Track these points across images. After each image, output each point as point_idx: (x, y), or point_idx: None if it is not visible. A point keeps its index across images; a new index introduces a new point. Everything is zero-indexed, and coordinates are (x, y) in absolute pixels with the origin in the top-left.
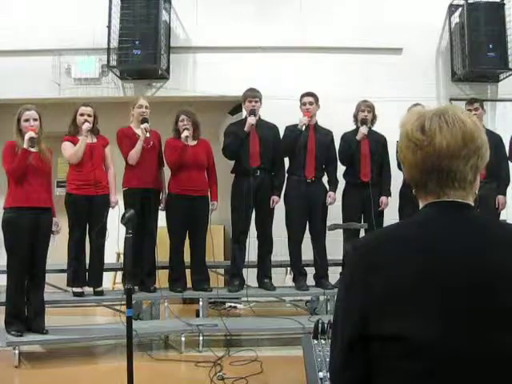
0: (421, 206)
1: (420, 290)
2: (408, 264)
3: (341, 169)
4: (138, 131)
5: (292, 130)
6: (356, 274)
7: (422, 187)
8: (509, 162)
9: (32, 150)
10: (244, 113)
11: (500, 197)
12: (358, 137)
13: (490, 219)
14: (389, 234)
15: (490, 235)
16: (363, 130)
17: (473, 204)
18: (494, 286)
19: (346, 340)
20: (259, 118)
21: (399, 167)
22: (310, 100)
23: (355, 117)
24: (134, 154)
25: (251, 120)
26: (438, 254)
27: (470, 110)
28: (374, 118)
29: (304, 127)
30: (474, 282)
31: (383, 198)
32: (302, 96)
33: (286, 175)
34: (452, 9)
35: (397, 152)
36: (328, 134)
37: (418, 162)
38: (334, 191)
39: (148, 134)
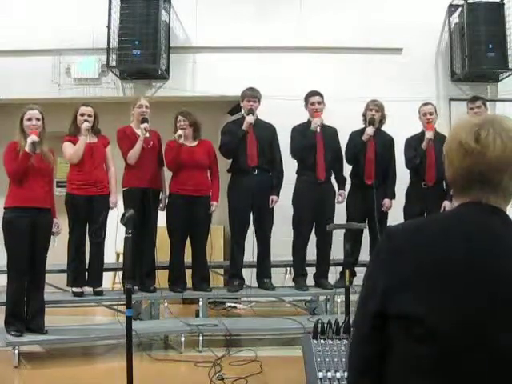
0: (456, 203)
1: (440, 278)
2: (432, 252)
3: (347, 169)
4: (138, 131)
5: (301, 131)
6: (383, 255)
7: (464, 191)
8: None
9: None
10: (243, 112)
11: None
12: (364, 138)
13: None
14: (419, 225)
15: None
16: (369, 131)
17: (505, 210)
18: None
19: (367, 315)
20: (256, 117)
21: (407, 166)
22: (318, 100)
23: (364, 116)
24: (134, 153)
25: (250, 119)
26: (467, 248)
27: (471, 108)
28: (383, 117)
29: (318, 129)
30: (493, 280)
31: (386, 201)
32: (309, 96)
33: (296, 176)
34: (452, 9)
35: (445, 154)
36: (333, 132)
37: (464, 167)
38: (344, 189)
39: (148, 134)
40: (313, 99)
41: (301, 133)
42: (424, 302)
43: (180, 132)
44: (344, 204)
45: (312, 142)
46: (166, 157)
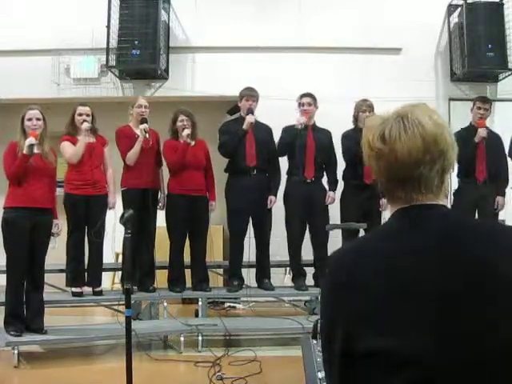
0: (391, 211)
1: (402, 303)
2: (385, 278)
3: (340, 171)
4: (137, 131)
5: (289, 130)
6: (334, 291)
7: (390, 194)
8: (508, 162)
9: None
10: (242, 112)
11: (499, 198)
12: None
13: (464, 216)
14: (363, 247)
15: (463, 230)
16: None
17: (444, 203)
18: (473, 289)
19: (334, 356)
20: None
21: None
22: (308, 101)
23: (355, 117)
24: (133, 154)
25: (250, 118)
26: (414, 265)
27: (479, 107)
28: None
29: (302, 127)
30: (450, 287)
31: (384, 200)
32: (301, 96)
33: (286, 176)
34: (451, 9)
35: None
36: (326, 134)
37: (381, 171)
38: (334, 191)
39: (147, 135)
40: (303, 100)
41: (289, 131)
42: (389, 334)
43: (188, 131)
44: (338, 204)
45: (302, 141)
46: (169, 156)
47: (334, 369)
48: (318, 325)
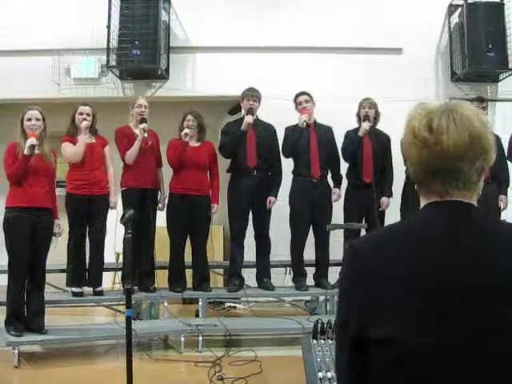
0: (422, 203)
1: (413, 295)
2: (403, 269)
3: (344, 169)
4: (137, 131)
5: (292, 130)
6: (352, 278)
7: (426, 186)
8: (508, 161)
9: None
10: (243, 112)
11: (502, 197)
12: (361, 132)
13: (497, 221)
14: (386, 237)
15: (494, 237)
16: (365, 125)
17: (476, 204)
18: (492, 292)
19: (346, 340)
20: (256, 117)
21: (406, 164)
22: (305, 98)
23: (358, 115)
24: (132, 153)
25: (249, 119)
26: (437, 258)
27: (477, 107)
28: (378, 115)
29: (305, 125)
30: (471, 286)
31: (384, 199)
32: (297, 96)
33: (292, 176)
34: (452, 9)
35: (401, 147)
36: (328, 131)
37: (422, 161)
38: (339, 188)
39: (146, 135)
40: (300, 98)
41: (293, 131)
42: (397, 323)
43: (186, 130)
44: (342, 203)
45: (306, 140)
46: (170, 154)
47: (344, 356)
48: (319, 325)
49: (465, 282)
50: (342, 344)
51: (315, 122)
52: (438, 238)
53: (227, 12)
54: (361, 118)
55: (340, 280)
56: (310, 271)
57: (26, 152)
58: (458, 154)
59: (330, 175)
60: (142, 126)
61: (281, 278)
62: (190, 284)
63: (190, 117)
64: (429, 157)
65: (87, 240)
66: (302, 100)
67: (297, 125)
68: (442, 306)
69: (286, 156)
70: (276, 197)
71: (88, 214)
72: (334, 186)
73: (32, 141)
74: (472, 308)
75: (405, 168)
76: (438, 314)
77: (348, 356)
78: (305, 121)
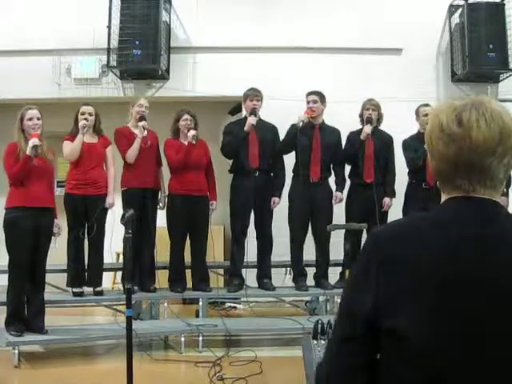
0: (444, 198)
1: (429, 289)
2: (422, 262)
3: (346, 170)
4: (136, 130)
5: (292, 128)
6: (374, 263)
7: (450, 181)
8: None
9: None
10: (244, 113)
11: (503, 198)
12: (362, 136)
13: None
14: (408, 228)
15: None
16: (367, 129)
17: (500, 202)
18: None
19: (356, 318)
20: (259, 118)
21: (408, 167)
22: (313, 99)
23: (361, 116)
24: (132, 152)
25: (252, 120)
26: (457, 254)
27: None
28: (380, 116)
29: (301, 124)
30: (488, 285)
31: (386, 199)
32: (307, 95)
33: (291, 175)
34: (452, 9)
35: (403, 147)
36: (335, 133)
37: (449, 156)
38: (341, 191)
39: (145, 132)
40: (308, 98)
41: (291, 129)
42: (410, 317)
43: (194, 132)
44: (344, 204)
45: (308, 140)
46: (171, 156)
47: (346, 333)
48: (319, 325)
49: (492, 278)
50: (349, 322)
51: (322, 124)
52: (461, 230)
53: (228, 12)
54: (364, 120)
55: (356, 265)
56: (310, 271)
57: (28, 152)
58: (486, 149)
59: (333, 178)
60: (141, 123)
61: (281, 278)
62: (190, 284)
63: (187, 116)
64: (456, 152)
65: (87, 240)
66: (310, 100)
67: (306, 125)
68: (461, 303)
69: (281, 153)
70: (280, 197)
71: (86, 214)
72: (337, 190)
73: (35, 141)
74: (498, 308)
75: (407, 170)
76: (452, 311)
77: (353, 329)
78: (302, 121)
